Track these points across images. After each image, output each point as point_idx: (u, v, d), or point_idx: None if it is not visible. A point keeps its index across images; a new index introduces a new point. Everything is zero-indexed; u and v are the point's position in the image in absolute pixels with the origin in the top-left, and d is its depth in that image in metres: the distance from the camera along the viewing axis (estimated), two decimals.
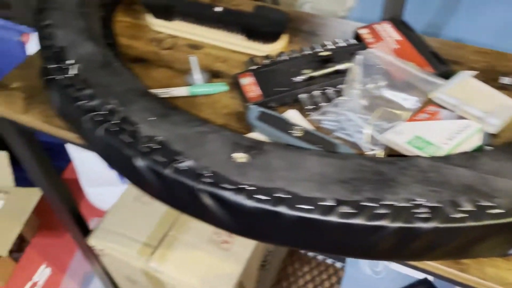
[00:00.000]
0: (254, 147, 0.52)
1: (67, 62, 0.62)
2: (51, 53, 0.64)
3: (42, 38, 0.67)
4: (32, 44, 1.21)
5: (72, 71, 0.61)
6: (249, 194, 0.48)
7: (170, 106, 0.58)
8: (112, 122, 0.55)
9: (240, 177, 0.49)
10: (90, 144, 0.59)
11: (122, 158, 0.54)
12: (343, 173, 0.49)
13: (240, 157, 0.51)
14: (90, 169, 1.46)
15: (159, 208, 1.05)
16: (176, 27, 0.81)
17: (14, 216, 1.37)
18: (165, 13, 0.81)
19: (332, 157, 0.51)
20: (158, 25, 0.82)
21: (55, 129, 0.67)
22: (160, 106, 0.58)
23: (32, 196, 1.41)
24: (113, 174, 1.45)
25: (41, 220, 1.56)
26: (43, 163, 0.85)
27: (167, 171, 0.50)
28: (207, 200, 0.49)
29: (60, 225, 1.58)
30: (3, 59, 1.46)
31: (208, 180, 0.49)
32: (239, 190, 0.48)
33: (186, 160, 0.50)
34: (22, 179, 1.48)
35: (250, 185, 0.48)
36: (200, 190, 0.49)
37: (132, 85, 0.61)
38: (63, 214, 0.96)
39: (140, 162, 0.52)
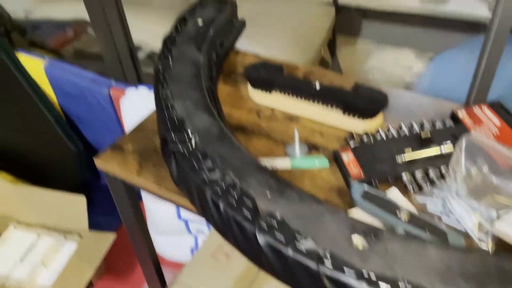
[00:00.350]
0: (371, 232, 0.53)
1: (186, 133, 0.67)
2: (171, 123, 0.70)
3: (161, 108, 0.73)
4: (127, 100, 1.30)
5: (192, 143, 0.66)
6: (371, 282, 0.48)
7: (284, 181, 0.61)
8: (232, 195, 0.58)
9: (361, 263, 0.50)
10: (205, 213, 0.62)
11: (241, 233, 0.56)
12: (466, 267, 0.49)
13: (359, 241, 0.53)
14: (159, 216, 1.50)
15: (235, 268, 1.06)
16: (274, 99, 0.86)
17: (87, 259, 1.42)
18: (265, 86, 0.86)
19: (452, 249, 0.52)
20: (257, 96, 0.87)
21: (167, 193, 0.71)
22: (274, 181, 0.61)
23: (104, 241, 1.47)
24: (181, 224, 1.49)
25: (106, 264, 1.61)
26: (138, 214, 0.90)
27: (288, 250, 0.52)
28: (327, 283, 0.50)
29: (123, 270, 1.63)
30: (92, 111, 1.57)
31: (329, 262, 0.50)
32: (361, 277, 0.49)
33: (306, 240, 0.52)
34: (93, 223, 1.56)
35: (372, 272, 0.49)
36: (320, 272, 0.50)
37: (246, 158, 0.65)
38: (146, 263, 1.00)
39: (260, 239, 0.54)
